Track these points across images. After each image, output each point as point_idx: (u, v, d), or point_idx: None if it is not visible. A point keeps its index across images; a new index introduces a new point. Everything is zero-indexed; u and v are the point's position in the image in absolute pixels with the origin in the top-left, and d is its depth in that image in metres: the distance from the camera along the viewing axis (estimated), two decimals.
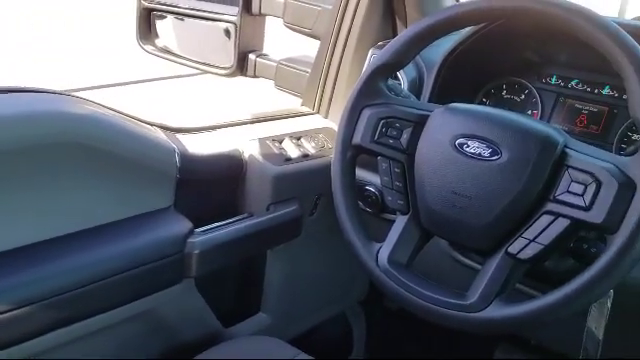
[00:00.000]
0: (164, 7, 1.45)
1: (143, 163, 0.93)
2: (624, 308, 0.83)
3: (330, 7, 1.30)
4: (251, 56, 1.39)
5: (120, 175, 0.90)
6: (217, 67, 1.42)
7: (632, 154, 0.70)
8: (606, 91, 1.02)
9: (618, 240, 0.65)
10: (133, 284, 0.92)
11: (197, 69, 1.46)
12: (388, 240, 0.83)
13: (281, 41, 1.71)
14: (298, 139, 1.21)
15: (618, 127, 0.99)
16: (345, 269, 1.37)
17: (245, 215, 1.12)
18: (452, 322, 0.76)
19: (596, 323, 0.83)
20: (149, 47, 1.48)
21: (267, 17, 1.39)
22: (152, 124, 1.03)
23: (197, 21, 1.41)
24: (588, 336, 0.85)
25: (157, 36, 1.49)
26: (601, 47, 0.70)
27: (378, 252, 0.83)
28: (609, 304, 0.81)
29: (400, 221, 0.84)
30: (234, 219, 1.09)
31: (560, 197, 0.70)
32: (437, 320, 0.77)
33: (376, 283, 0.84)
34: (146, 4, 1.45)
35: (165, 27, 1.49)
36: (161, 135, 1.01)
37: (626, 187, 0.66)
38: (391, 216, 0.94)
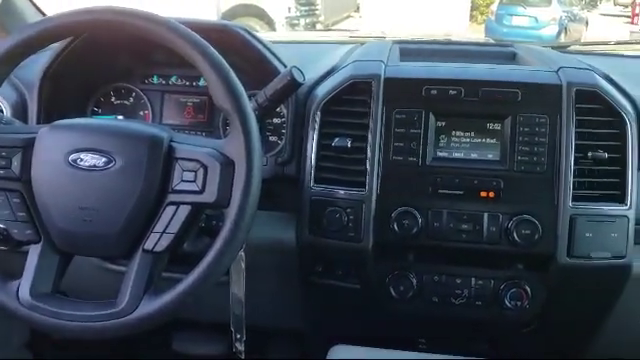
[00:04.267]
0: None
1: None
2: (258, 266, 0.96)
3: None
4: None
5: None
6: None
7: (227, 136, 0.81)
8: (202, 82, 1.13)
9: (231, 212, 0.75)
10: None
11: None
12: (26, 274, 0.80)
13: None
14: None
15: (219, 113, 1.12)
16: None
17: None
18: (111, 332, 0.77)
19: (237, 286, 0.94)
20: None
21: None
22: None
23: None
24: (233, 299, 0.96)
25: None
26: (176, 47, 0.78)
27: (18, 289, 0.79)
28: (243, 266, 0.93)
29: (34, 251, 0.81)
30: None
31: (177, 187, 0.77)
32: (96, 336, 0.78)
33: (26, 321, 0.79)
34: None
35: None
36: None
37: (226, 165, 0.76)
38: (29, 247, 0.89)
